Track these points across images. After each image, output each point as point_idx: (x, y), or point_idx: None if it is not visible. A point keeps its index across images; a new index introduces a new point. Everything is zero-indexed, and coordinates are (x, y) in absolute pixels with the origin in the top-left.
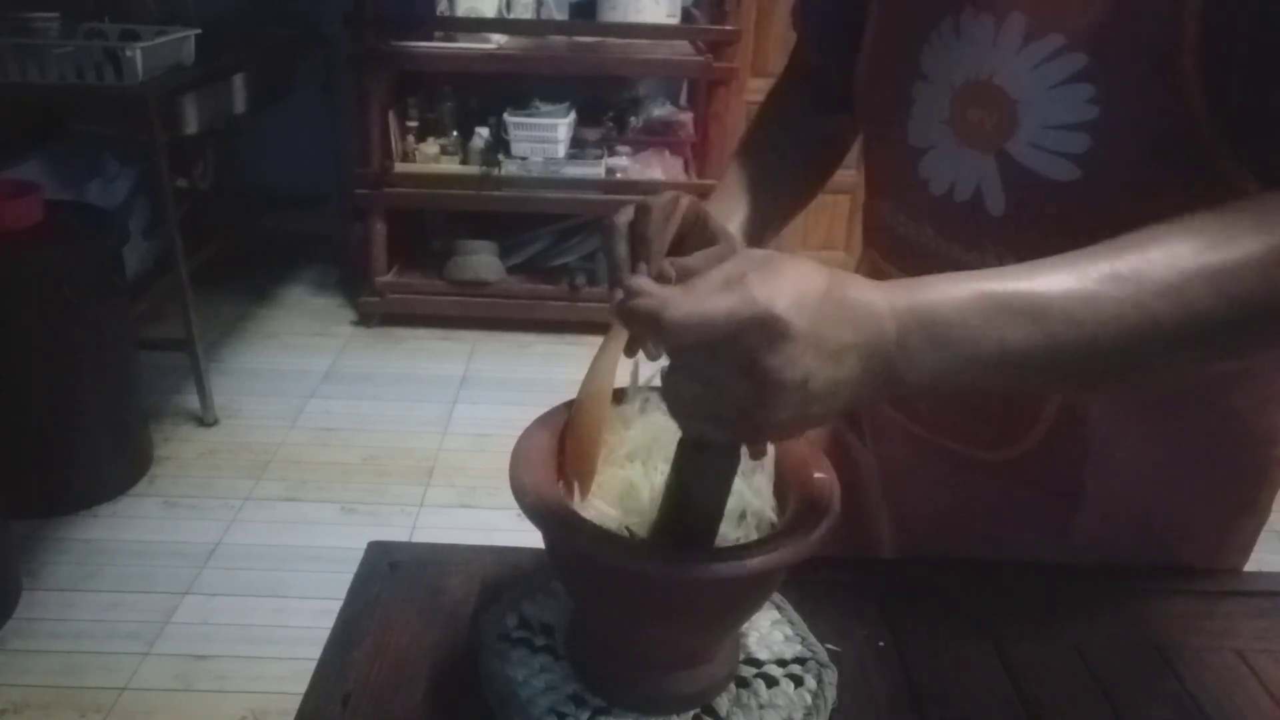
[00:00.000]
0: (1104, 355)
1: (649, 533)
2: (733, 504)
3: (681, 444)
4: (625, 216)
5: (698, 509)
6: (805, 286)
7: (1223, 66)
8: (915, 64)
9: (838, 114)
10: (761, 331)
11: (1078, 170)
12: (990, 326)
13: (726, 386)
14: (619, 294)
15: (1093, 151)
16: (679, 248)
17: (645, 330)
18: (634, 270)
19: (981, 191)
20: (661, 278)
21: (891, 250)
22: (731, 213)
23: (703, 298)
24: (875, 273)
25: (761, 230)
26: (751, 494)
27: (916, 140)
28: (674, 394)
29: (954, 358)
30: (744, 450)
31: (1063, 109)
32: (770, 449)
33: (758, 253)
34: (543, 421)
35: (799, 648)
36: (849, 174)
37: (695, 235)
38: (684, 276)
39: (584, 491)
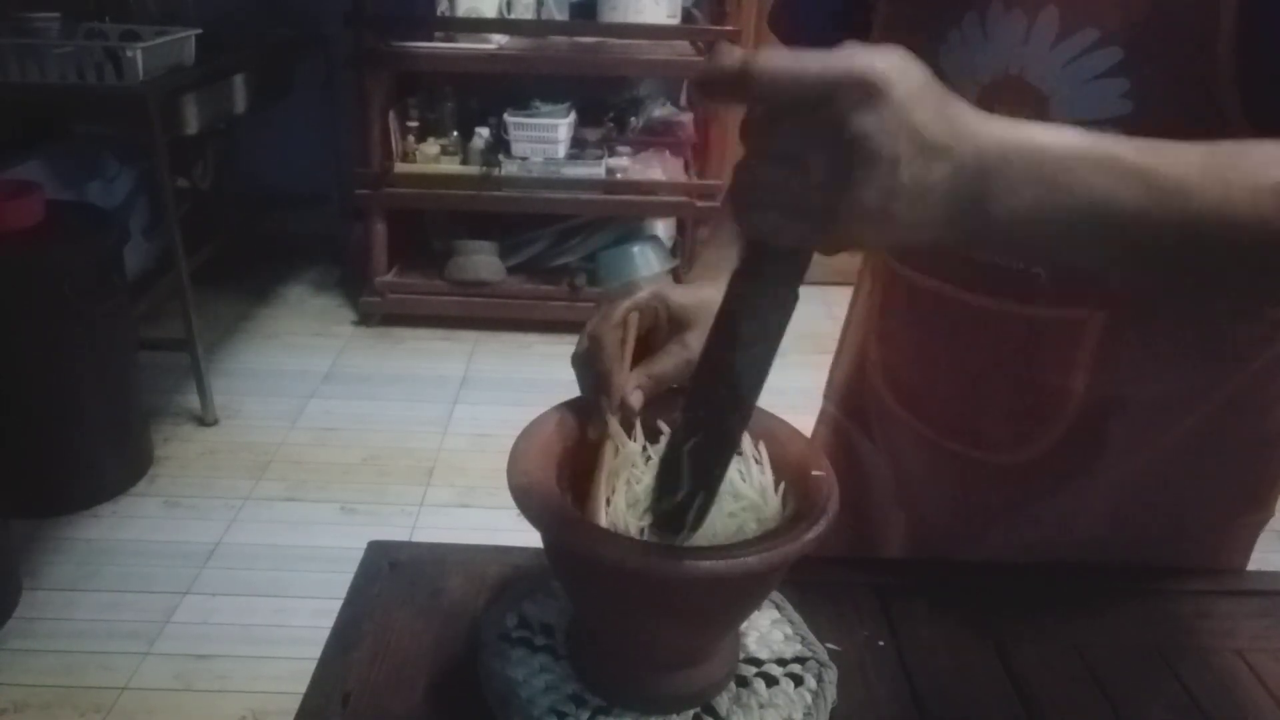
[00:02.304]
0: (1207, 240)
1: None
2: (734, 502)
3: (735, 274)
4: (581, 347)
5: (744, 349)
6: (909, 63)
7: (1258, 59)
8: (933, 63)
9: None
10: (859, 89)
11: None
12: (1099, 177)
13: (810, 158)
14: (592, 429)
15: None
16: (650, 345)
17: (730, 90)
18: (598, 405)
19: None
20: (627, 408)
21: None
22: (724, 261)
23: (796, 56)
24: (886, 273)
25: None
26: (754, 491)
27: None
28: (746, 180)
29: (1055, 198)
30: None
31: (1096, 104)
32: (765, 456)
33: (854, 43)
34: (542, 421)
35: (799, 647)
36: None
37: (662, 327)
38: (654, 386)
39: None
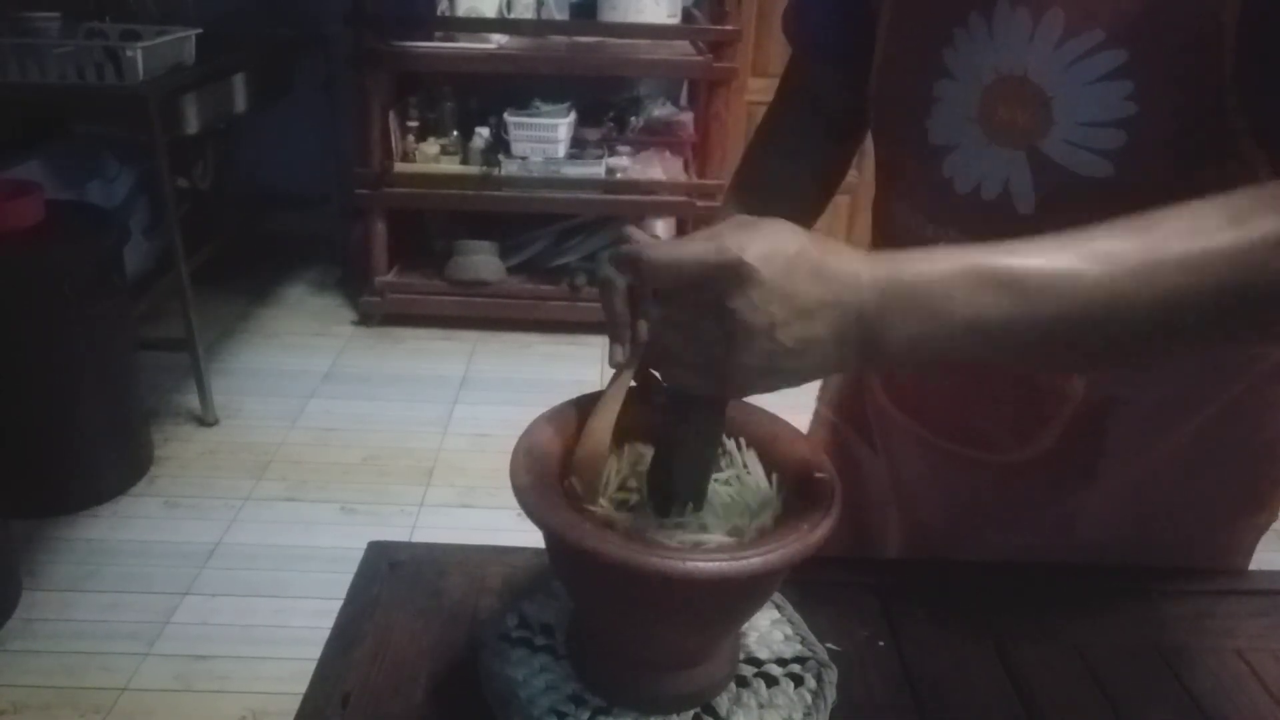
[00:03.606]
0: (1084, 330)
1: (643, 497)
2: (736, 501)
3: (668, 403)
4: (624, 279)
5: (683, 464)
6: (778, 242)
7: (1260, 62)
8: (938, 62)
9: (836, 142)
10: (729, 276)
11: (1110, 167)
12: (972, 296)
13: (698, 329)
14: (618, 351)
15: (1127, 148)
16: None
17: (628, 271)
18: (634, 329)
19: (1010, 189)
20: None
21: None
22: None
23: (680, 245)
24: None
25: None
26: (750, 495)
27: (939, 139)
28: (656, 344)
29: (934, 327)
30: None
31: (1100, 105)
32: (755, 462)
33: (743, 217)
34: (544, 420)
35: (799, 647)
36: (850, 174)
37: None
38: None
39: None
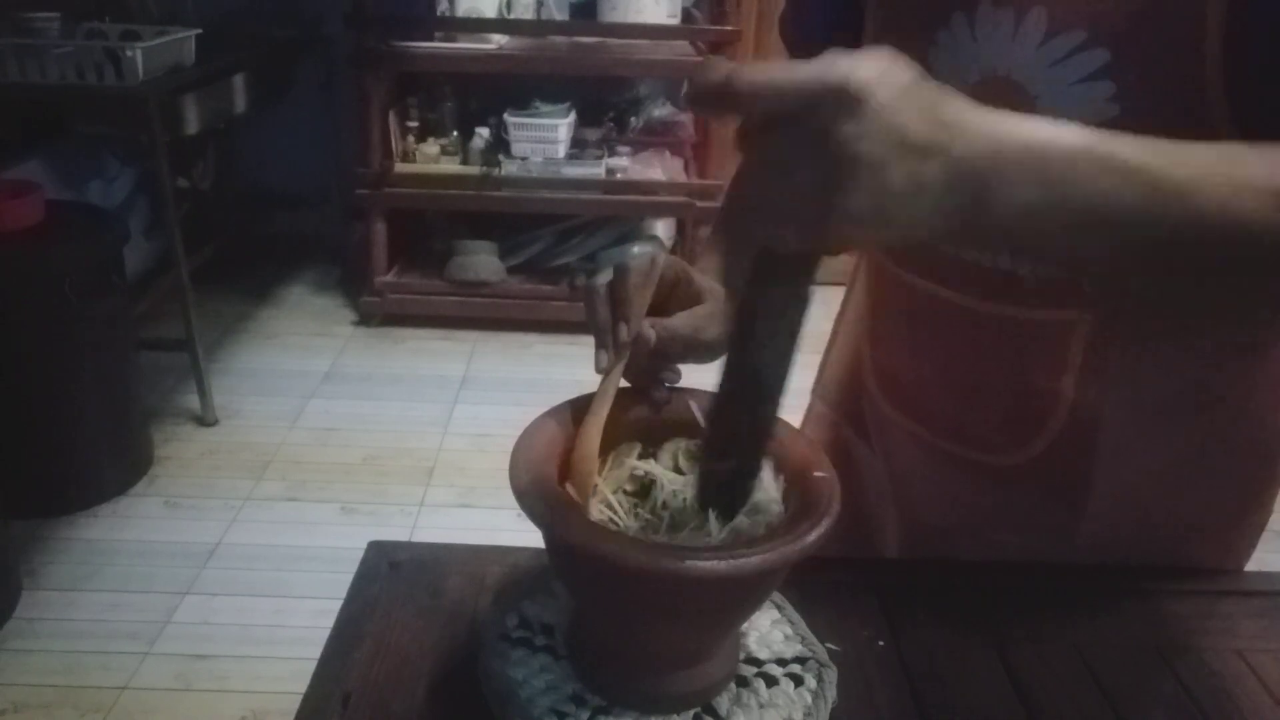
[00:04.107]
0: (1211, 244)
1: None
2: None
3: (746, 286)
4: (604, 278)
5: (761, 358)
6: (891, 70)
7: (1245, 63)
8: (923, 63)
9: None
10: (837, 100)
11: None
12: (1101, 175)
13: (798, 167)
14: (603, 357)
15: None
16: (663, 307)
17: (717, 103)
18: (615, 332)
19: None
20: (641, 340)
21: (899, 252)
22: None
23: (778, 67)
24: (879, 274)
25: None
26: (763, 493)
27: None
28: (740, 194)
29: (1055, 196)
30: None
31: (1082, 106)
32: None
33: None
34: (544, 419)
35: (799, 647)
36: None
37: (679, 294)
38: (664, 338)
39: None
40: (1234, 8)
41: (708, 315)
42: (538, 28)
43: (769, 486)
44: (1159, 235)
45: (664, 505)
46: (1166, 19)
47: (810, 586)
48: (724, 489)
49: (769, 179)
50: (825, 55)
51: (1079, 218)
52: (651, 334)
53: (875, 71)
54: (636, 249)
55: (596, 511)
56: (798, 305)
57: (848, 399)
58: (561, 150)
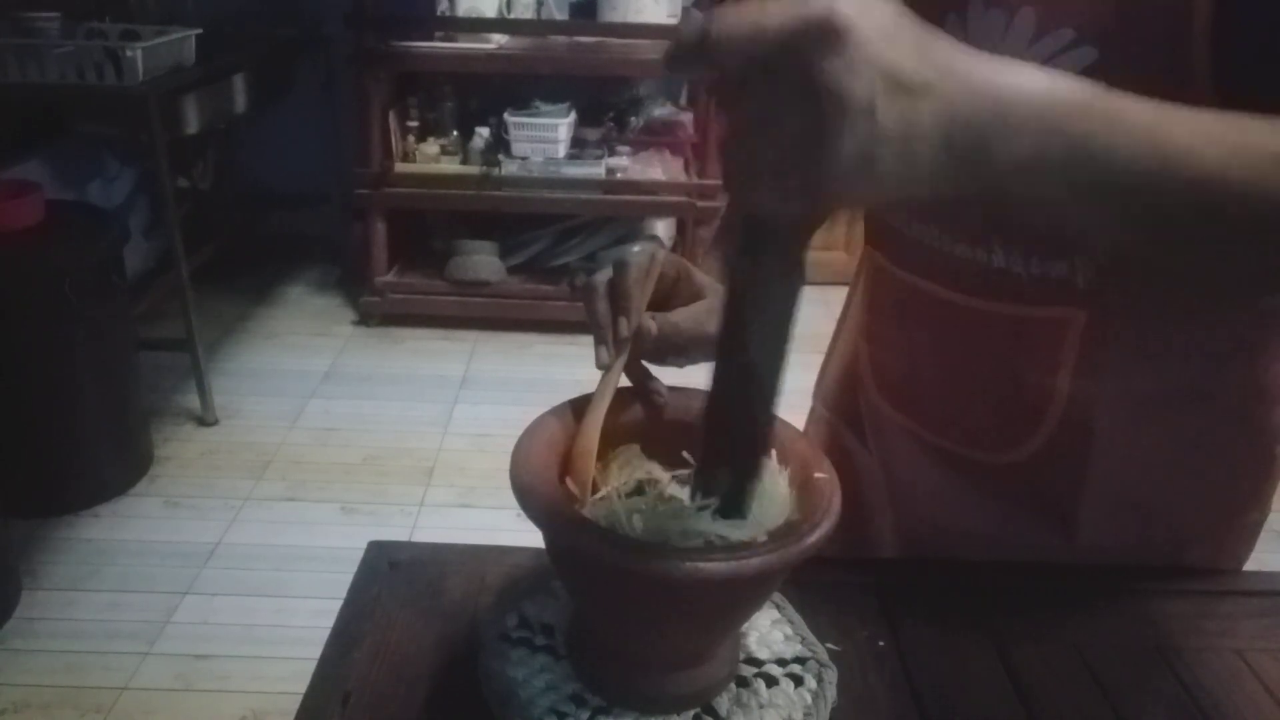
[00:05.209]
0: (1214, 209)
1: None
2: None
3: (736, 259)
4: (604, 275)
5: (753, 349)
6: (876, 3)
7: (1233, 58)
8: None
9: None
10: (820, 34)
11: None
12: (1104, 130)
13: (784, 116)
14: (602, 353)
15: None
16: (664, 304)
17: (695, 60)
18: (615, 327)
19: None
20: (642, 333)
21: (894, 249)
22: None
23: (754, 7)
24: (876, 273)
25: None
26: (771, 490)
27: None
28: (729, 153)
29: (1061, 148)
30: None
31: None
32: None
33: None
34: (543, 420)
35: (799, 647)
36: None
37: (680, 291)
38: (666, 331)
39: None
40: (1221, 6)
41: (709, 311)
42: (538, 28)
43: (774, 486)
44: (1160, 196)
45: (664, 505)
46: (1153, 17)
47: (810, 586)
48: (724, 489)
49: (753, 134)
50: None
51: (1080, 173)
52: (653, 325)
53: (859, 3)
54: (637, 248)
55: (597, 512)
56: (789, 289)
57: (844, 396)
58: (561, 150)
